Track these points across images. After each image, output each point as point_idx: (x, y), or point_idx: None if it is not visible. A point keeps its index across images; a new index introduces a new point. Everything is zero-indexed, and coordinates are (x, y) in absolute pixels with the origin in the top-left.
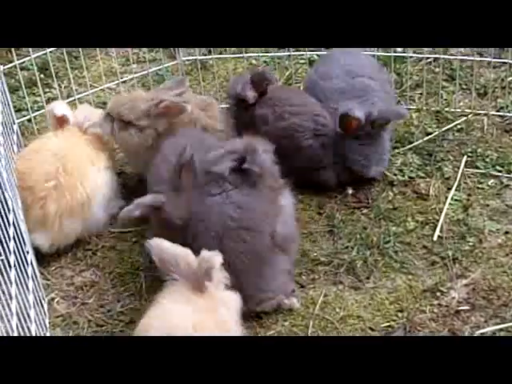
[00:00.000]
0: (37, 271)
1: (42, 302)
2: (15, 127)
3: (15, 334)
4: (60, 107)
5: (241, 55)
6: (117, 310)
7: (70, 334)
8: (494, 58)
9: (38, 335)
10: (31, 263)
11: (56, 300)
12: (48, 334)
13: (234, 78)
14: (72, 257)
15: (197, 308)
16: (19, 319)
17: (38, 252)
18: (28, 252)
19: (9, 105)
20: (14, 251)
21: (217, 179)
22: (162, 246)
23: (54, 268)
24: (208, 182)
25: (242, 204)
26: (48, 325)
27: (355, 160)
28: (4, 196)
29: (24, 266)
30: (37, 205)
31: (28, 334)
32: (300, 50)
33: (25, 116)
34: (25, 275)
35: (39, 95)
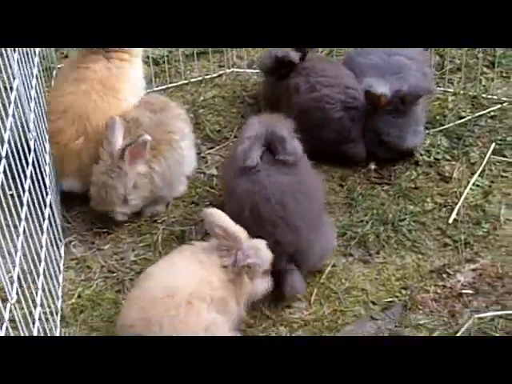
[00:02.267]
0: (56, 214)
1: (59, 243)
2: (54, 72)
3: (17, 271)
4: None
5: None
6: (130, 259)
7: (82, 278)
8: None
9: (49, 275)
10: (50, 205)
11: (73, 243)
12: (61, 276)
13: (268, 52)
14: None
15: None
16: (32, 258)
17: (65, 195)
18: (47, 194)
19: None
20: (30, 190)
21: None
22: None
23: (76, 212)
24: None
25: (290, 173)
26: (62, 267)
27: (389, 133)
28: (26, 138)
29: (41, 206)
30: (70, 157)
31: (35, 273)
32: None
33: None
34: (40, 216)
35: None
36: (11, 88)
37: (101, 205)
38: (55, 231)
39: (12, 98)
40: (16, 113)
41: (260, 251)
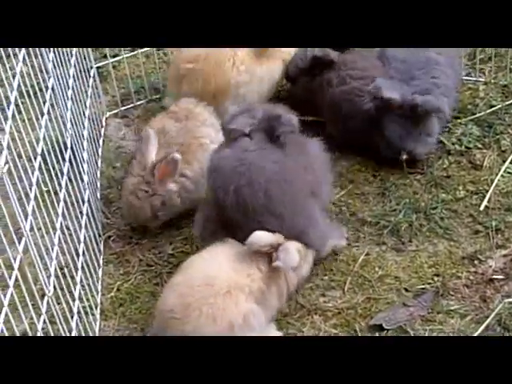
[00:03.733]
0: (95, 210)
1: (98, 239)
2: (92, 71)
3: (54, 265)
4: None
5: None
6: (167, 253)
7: (121, 272)
8: None
9: (89, 269)
10: (88, 201)
11: (112, 238)
12: (100, 271)
13: (300, 54)
14: None
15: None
16: (70, 253)
17: (104, 192)
18: (85, 190)
19: (87, 50)
20: (67, 187)
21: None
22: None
23: (115, 208)
24: (232, 139)
25: (278, 160)
26: (102, 261)
27: (393, 130)
28: (63, 136)
29: (79, 203)
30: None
31: (73, 267)
32: None
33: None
34: (78, 212)
35: None
36: (47, 87)
37: (131, 221)
38: (94, 227)
39: (47, 97)
40: (52, 112)
41: (288, 254)
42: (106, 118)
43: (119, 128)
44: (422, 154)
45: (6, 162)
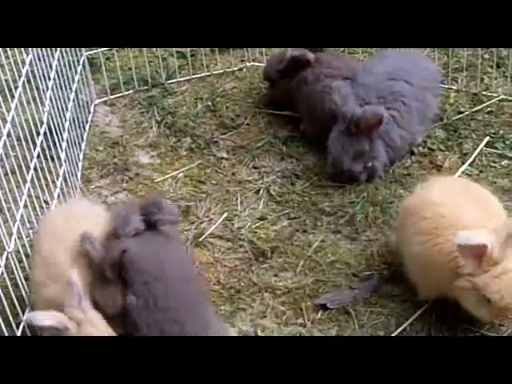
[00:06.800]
0: (72, 187)
1: None
2: (82, 58)
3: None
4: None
5: None
6: None
7: None
8: None
9: None
10: (63, 176)
11: None
12: None
13: (278, 55)
14: (112, 179)
15: None
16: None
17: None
18: (61, 165)
19: None
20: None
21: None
22: None
23: (94, 187)
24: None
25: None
26: None
27: (332, 146)
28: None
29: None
30: None
31: None
32: None
33: None
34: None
35: None
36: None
37: None
38: None
39: (23, 71)
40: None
41: None
42: (95, 105)
43: (106, 115)
44: (363, 177)
45: None
